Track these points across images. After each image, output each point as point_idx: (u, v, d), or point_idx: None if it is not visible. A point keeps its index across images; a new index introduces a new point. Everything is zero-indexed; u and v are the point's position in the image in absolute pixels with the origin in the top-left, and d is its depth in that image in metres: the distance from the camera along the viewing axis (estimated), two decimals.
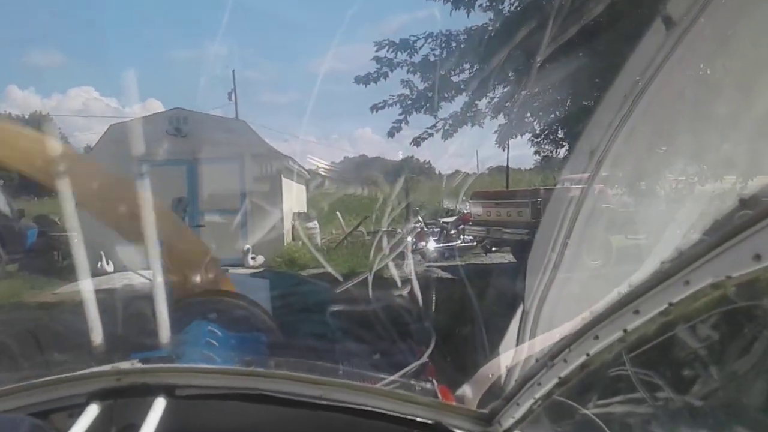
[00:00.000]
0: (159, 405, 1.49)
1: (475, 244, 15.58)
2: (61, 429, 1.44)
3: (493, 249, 15.23)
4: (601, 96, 1.90)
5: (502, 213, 13.69)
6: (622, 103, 1.79)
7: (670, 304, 1.05)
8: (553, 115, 10.57)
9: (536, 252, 2.09)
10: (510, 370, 1.76)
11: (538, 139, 12.80)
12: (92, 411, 1.47)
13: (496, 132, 11.76)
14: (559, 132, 11.12)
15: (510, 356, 1.82)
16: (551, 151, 12.65)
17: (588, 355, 1.28)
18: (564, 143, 11.56)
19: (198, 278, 4.01)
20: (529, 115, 11.20)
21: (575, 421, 1.82)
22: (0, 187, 17.18)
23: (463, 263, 14.84)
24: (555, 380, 1.40)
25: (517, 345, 1.85)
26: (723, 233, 0.94)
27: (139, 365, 1.60)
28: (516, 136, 12.26)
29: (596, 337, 1.23)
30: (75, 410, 1.50)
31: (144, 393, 1.53)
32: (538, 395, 1.48)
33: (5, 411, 1.50)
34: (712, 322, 1.63)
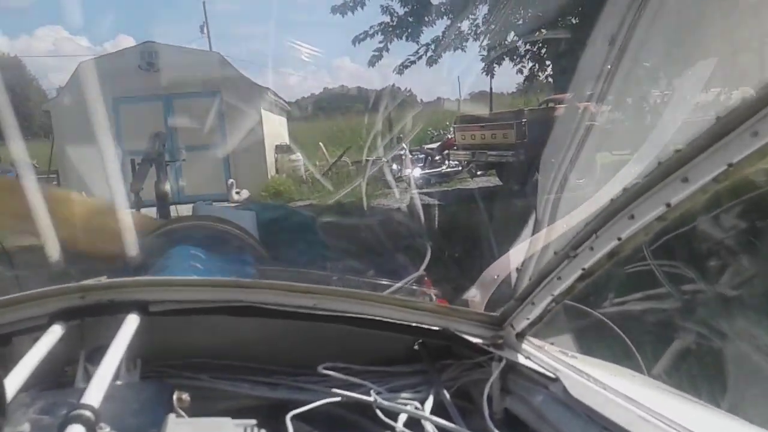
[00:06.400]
0: (131, 323, 1.32)
1: (460, 169, 15.40)
2: (25, 353, 1.28)
3: (479, 173, 15.08)
4: None
5: (487, 136, 13.43)
6: None
7: (730, 165, 0.87)
8: (541, 28, 10.23)
9: (548, 161, 1.91)
10: (521, 271, 1.61)
11: (523, 59, 12.48)
12: (55, 332, 1.30)
13: (480, 54, 11.50)
14: (548, 45, 10.79)
15: (520, 258, 1.66)
16: (537, 69, 12.33)
17: (620, 239, 1.11)
18: (553, 57, 11.26)
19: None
20: (512, 33, 10.89)
21: (591, 324, 1.69)
22: None
23: (449, 188, 14.71)
24: (578, 272, 1.24)
25: (528, 247, 1.69)
26: None
27: (106, 281, 1.42)
28: (501, 60, 11.97)
29: (631, 217, 1.06)
30: (39, 333, 1.33)
31: (113, 310, 1.36)
32: (557, 291, 1.33)
33: None
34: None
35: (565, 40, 9.14)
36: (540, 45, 11.27)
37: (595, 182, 1.72)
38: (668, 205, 0.99)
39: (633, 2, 1.54)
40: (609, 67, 1.66)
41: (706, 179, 0.92)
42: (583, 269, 1.23)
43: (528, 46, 11.61)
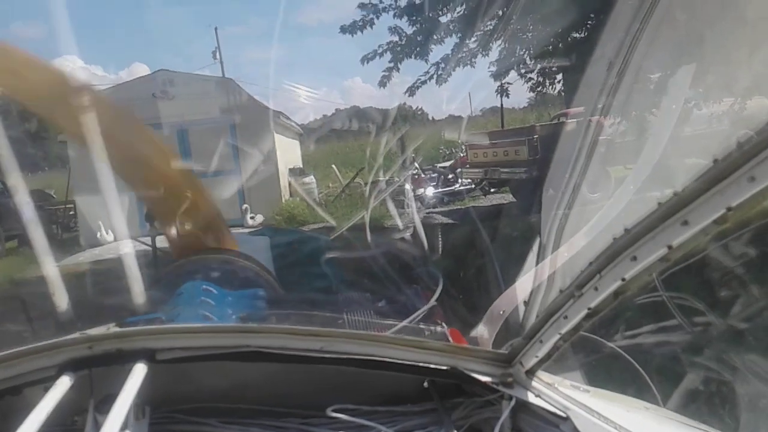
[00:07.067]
0: (139, 371, 1.33)
1: (473, 186, 15.39)
2: (36, 403, 1.28)
3: (492, 190, 15.05)
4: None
5: (499, 153, 13.43)
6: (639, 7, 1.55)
7: (729, 209, 0.86)
8: (551, 43, 10.19)
9: (552, 182, 1.90)
10: (528, 306, 1.59)
11: (533, 74, 12.47)
12: (64, 383, 1.30)
13: (489, 71, 11.51)
14: (558, 60, 10.75)
15: (526, 290, 1.65)
16: (547, 84, 12.30)
17: (624, 279, 1.10)
18: (564, 72, 11.22)
19: (204, 237, 3.82)
20: (521, 48, 10.89)
21: (603, 355, 1.67)
22: None
23: (463, 206, 14.69)
24: (584, 312, 1.23)
25: (534, 279, 1.67)
26: None
27: (114, 330, 1.43)
28: (509, 72, 11.97)
29: (634, 258, 1.05)
30: (49, 383, 1.34)
31: (121, 360, 1.36)
32: (564, 330, 1.31)
33: None
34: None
35: (575, 55, 9.13)
36: (550, 60, 11.24)
37: (601, 197, 1.71)
38: (670, 247, 0.98)
39: (636, 15, 1.54)
40: (611, 83, 1.65)
41: (706, 222, 0.91)
42: (589, 308, 1.22)
43: (537, 61, 11.58)
